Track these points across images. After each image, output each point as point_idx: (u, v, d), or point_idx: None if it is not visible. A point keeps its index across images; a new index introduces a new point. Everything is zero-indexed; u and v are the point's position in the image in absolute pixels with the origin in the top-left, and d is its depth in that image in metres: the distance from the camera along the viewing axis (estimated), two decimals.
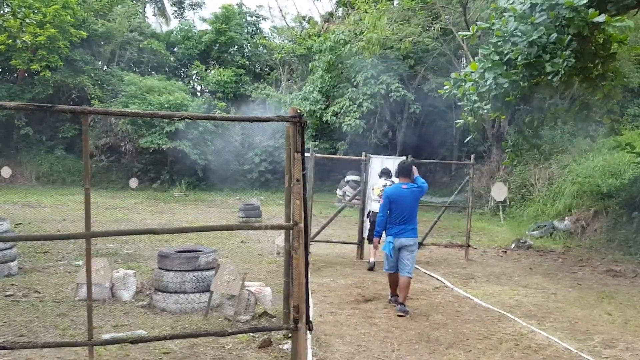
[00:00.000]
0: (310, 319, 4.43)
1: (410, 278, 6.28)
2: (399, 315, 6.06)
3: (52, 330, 5.21)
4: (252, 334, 5.09)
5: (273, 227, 4.10)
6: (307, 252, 4.26)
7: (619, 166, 13.95)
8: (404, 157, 9.97)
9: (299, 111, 4.22)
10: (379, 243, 7.22)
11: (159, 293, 6.00)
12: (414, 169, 6.79)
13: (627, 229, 11.44)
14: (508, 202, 17.63)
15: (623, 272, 9.09)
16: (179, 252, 6.29)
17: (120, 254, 9.52)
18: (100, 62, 27.69)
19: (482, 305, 6.64)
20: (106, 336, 4.96)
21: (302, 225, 4.17)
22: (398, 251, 6.34)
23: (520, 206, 17.29)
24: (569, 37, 8.20)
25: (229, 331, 4.14)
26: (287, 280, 5.26)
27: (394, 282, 6.61)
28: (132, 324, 5.47)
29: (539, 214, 15.62)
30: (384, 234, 6.85)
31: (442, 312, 6.27)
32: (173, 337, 4.33)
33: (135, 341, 4.06)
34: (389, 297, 6.75)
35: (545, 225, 13.83)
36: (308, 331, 4.33)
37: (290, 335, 4.48)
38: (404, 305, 6.20)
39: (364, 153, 10.23)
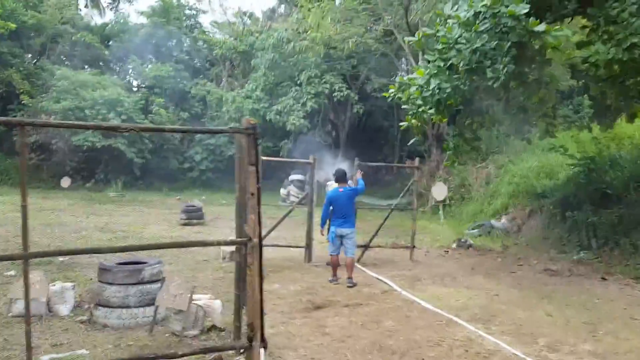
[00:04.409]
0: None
1: (353, 258, 8.26)
2: (349, 287, 7.85)
3: None
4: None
5: (227, 243, 3.95)
6: (261, 268, 4.13)
7: (552, 167, 14.57)
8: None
9: (252, 122, 4.08)
10: (322, 232, 8.68)
11: (100, 308, 5.69)
12: (359, 172, 9.05)
13: (561, 228, 11.96)
14: (448, 201, 18.08)
15: (559, 270, 9.48)
16: (121, 264, 6.00)
17: (55, 262, 8.98)
18: (30, 56, 26.22)
19: (431, 309, 6.73)
20: (45, 358, 4.65)
21: (256, 240, 4.05)
22: (341, 238, 8.19)
23: (459, 205, 17.78)
24: (509, 43, 8.44)
25: (179, 353, 3.96)
26: (238, 294, 5.11)
27: (335, 264, 8.31)
28: (73, 342, 5.14)
29: (478, 213, 16.12)
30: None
31: (393, 317, 6.30)
32: None
33: None
34: (330, 278, 8.24)
35: (484, 224, 14.27)
36: (262, 349, 4.21)
37: (242, 351, 4.34)
38: (352, 279, 8.04)
39: (311, 156, 10.16)
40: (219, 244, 3.86)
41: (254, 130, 4.03)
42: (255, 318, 4.04)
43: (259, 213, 4.09)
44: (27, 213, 3.50)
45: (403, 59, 23.74)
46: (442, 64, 8.63)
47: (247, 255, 4.05)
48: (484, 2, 8.33)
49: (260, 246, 4.13)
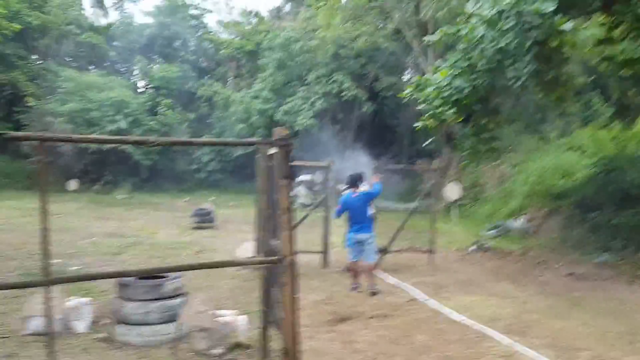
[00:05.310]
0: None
1: (374, 263, 8.15)
2: (372, 294, 7.67)
3: None
4: None
5: (259, 263, 3.70)
6: (295, 289, 3.88)
7: (569, 166, 14.26)
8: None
9: (285, 133, 3.82)
10: None
11: (119, 325, 5.45)
12: (375, 175, 8.61)
13: (581, 229, 11.67)
14: (461, 201, 17.77)
15: (584, 274, 9.21)
16: (140, 278, 5.75)
17: (68, 272, 8.77)
18: (35, 57, 26.02)
19: (461, 320, 6.46)
20: None
21: (291, 259, 3.80)
22: (360, 244, 7.90)
23: (473, 205, 17.48)
24: (531, 42, 8.17)
25: None
26: (265, 310, 4.87)
27: (356, 271, 8.09)
28: None
29: (493, 213, 15.82)
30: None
31: (423, 330, 6.03)
32: None
33: None
34: (351, 286, 8.05)
35: (500, 225, 13.99)
36: None
37: None
38: (374, 285, 7.89)
39: (328, 159, 9.90)
40: (252, 263, 3.61)
41: (287, 142, 3.78)
42: (290, 343, 3.79)
43: (292, 229, 3.85)
44: (48, 235, 3.27)
45: (410, 57, 23.42)
46: (465, 64, 8.35)
47: (281, 275, 3.81)
48: (507, 0, 8.05)
49: (294, 265, 3.88)
